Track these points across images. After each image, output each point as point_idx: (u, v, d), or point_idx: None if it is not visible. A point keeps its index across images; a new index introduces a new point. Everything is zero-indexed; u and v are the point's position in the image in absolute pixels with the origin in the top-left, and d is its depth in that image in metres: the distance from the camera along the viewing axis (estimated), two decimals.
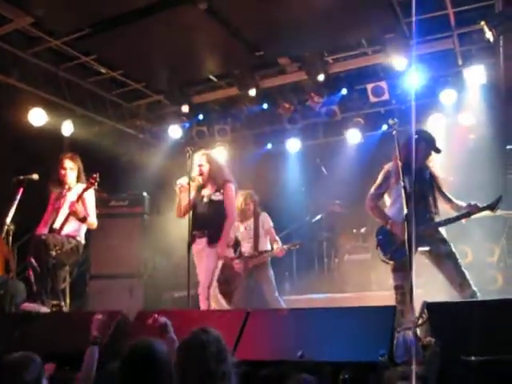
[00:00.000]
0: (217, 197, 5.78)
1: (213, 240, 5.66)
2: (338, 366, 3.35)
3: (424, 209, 5.09)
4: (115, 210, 8.58)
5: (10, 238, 5.83)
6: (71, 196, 6.02)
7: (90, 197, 6.03)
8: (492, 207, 4.96)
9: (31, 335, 4.67)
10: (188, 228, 5.74)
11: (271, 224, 7.17)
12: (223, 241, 5.70)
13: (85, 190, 5.86)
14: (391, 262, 5.14)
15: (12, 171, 6.16)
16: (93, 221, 6.04)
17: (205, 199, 5.85)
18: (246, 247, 7.13)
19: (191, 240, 5.75)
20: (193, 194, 5.82)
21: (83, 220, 5.91)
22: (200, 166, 5.90)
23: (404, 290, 4.84)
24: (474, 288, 4.85)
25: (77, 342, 4.01)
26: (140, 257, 8.63)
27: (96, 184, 5.86)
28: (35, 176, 6.03)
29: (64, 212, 5.95)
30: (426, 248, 4.96)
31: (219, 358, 2.64)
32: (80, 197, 5.83)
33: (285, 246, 7.06)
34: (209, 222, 5.68)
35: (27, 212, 6.06)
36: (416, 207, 4.79)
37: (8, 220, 5.77)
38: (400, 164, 4.66)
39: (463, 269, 4.91)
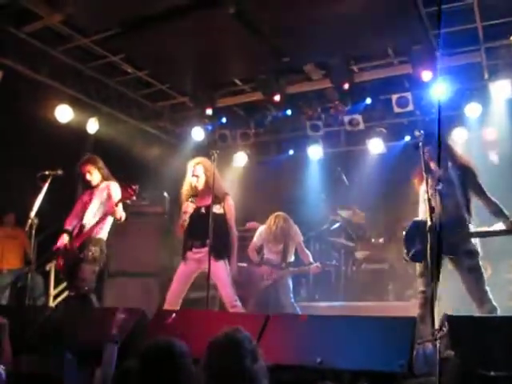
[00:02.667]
0: (218, 210, 5.74)
1: (219, 253, 5.66)
2: (356, 374, 3.36)
3: (453, 213, 4.94)
4: (136, 209, 8.63)
5: (33, 232, 5.90)
6: (99, 193, 6.10)
7: (116, 192, 6.06)
8: None
9: (51, 328, 4.72)
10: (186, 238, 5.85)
11: (301, 238, 7.20)
12: (234, 258, 5.80)
13: (121, 200, 5.85)
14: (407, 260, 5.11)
15: (37, 166, 6.23)
16: (123, 215, 6.02)
17: (202, 210, 5.82)
18: (271, 256, 7.18)
19: (188, 248, 5.83)
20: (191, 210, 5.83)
21: (119, 219, 5.96)
22: (197, 176, 5.90)
23: (426, 295, 4.79)
24: (494, 303, 4.81)
25: (96, 338, 4.06)
26: (158, 257, 8.67)
27: (134, 196, 5.83)
28: (60, 171, 6.10)
29: (93, 208, 6.03)
30: (450, 256, 4.90)
31: (253, 357, 2.66)
32: (117, 204, 5.84)
33: (320, 265, 7.10)
34: (209, 233, 5.49)
35: (51, 207, 6.14)
36: (443, 212, 4.70)
37: (32, 214, 5.85)
38: (425, 176, 4.68)
39: (485, 284, 4.86)
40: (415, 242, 5.01)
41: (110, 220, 6.05)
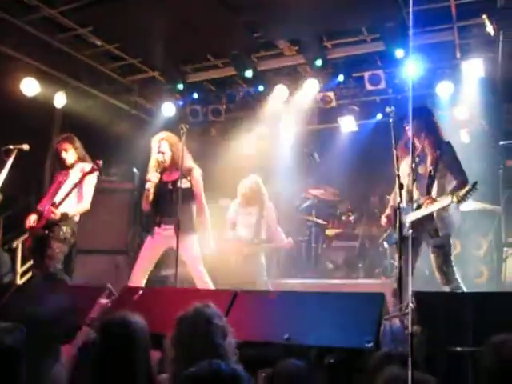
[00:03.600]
0: (184, 184, 5.66)
1: (187, 230, 5.60)
2: (323, 350, 3.35)
3: (422, 192, 4.90)
4: (104, 184, 8.49)
5: None
6: (74, 174, 5.98)
7: (90, 181, 5.97)
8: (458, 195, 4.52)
9: (15, 306, 4.63)
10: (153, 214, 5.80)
11: (275, 215, 7.15)
12: (209, 232, 5.77)
13: (86, 174, 5.79)
14: (385, 246, 5.14)
15: (2, 140, 6.07)
16: (85, 206, 5.97)
17: (169, 186, 5.77)
18: (243, 232, 7.09)
19: (156, 224, 5.76)
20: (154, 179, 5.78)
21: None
22: (162, 153, 5.81)
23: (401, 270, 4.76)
24: (459, 283, 4.84)
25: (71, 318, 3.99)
26: (127, 233, 8.60)
27: (99, 171, 5.83)
28: (25, 146, 5.98)
29: (65, 188, 5.88)
30: (412, 235, 4.79)
31: (223, 333, 2.66)
32: (81, 180, 5.78)
33: (291, 241, 7.17)
34: (176, 209, 5.46)
35: (16, 182, 6.01)
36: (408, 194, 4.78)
37: None
38: (395, 152, 4.67)
39: (450, 262, 4.87)
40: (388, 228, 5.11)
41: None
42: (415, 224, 4.73)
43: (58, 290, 5.15)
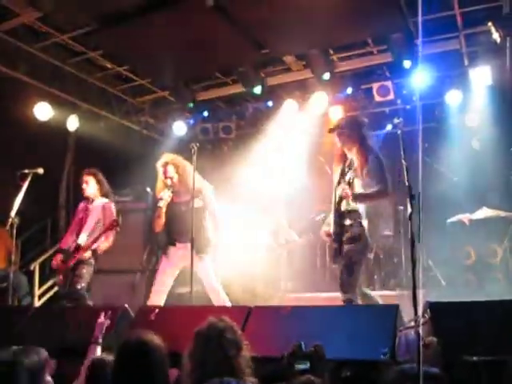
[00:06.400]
0: (197, 204, 5.70)
1: (201, 249, 5.66)
2: (339, 363, 3.36)
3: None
4: (119, 205, 8.55)
5: (15, 231, 5.87)
6: (94, 210, 6.19)
7: (111, 214, 6.19)
8: None
9: (34, 329, 4.69)
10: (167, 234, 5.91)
11: None
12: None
13: (105, 231, 5.96)
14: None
15: (19, 165, 6.17)
16: (110, 243, 6.16)
17: (182, 208, 5.82)
18: None
19: (171, 243, 5.85)
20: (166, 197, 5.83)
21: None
22: (170, 178, 5.84)
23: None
24: (366, 293, 4.98)
25: (80, 337, 4.05)
26: (143, 252, 8.65)
27: (117, 228, 6.00)
28: (40, 170, 6.08)
29: (88, 228, 6.10)
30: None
31: (237, 347, 2.70)
32: (99, 237, 5.95)
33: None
34: (190, 229, 5.46)
35: (32, 205, 6.10)
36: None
37: (13, 213, 5.83)
38: (404, 164, 4.67)
39: (356, 272, 4.86)
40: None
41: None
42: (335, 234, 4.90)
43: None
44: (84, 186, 6.27)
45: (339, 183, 5.06)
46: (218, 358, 2.68)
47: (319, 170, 9.38)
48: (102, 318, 3.97)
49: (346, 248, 4.87)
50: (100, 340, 3.83)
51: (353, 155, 5.08)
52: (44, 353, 2.95)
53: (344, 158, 5.15)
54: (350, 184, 4.86)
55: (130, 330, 4.08)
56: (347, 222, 4.93)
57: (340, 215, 4.96)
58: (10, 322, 4.90)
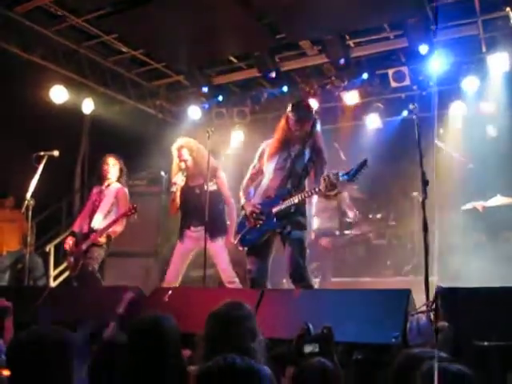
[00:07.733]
0: (211, 187, 5.73)
1: (215, 232, 5.70)
2: (350, 346, 3.38)
3: (286, 187, 4.84)
4: (133, 189, 8.60)
5: (30, 214, 5.93)
6: (109, 195, 6.23)
7: (125, 201, 6.25)
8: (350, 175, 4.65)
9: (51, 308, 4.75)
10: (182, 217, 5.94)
11: None
12: (232, 229, 5.71)
13: (121, 216, 6.02)
14: (240, 248, 4.98)
15: (33, 147, 6.22)
16: (122, 227, 6.20)
17: (196, 190, 5.87)
18: None
19: (186, 227, 5.89)
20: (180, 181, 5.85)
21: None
22: (185, 161, 5.86)
23: (252, 275, 4.74)
24: (312, 282, 4.82)
25: (99, 317, 4.09)
26: (157, 236, 8.71)
27: (135, 215, 5.95)
28: (56, 152, 6.10)
29: (102, 211, 6.16)
30: (277, 230, 4.77)
31: (253, 335, 2.68)
32: (115, 221, 6.00)
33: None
34: (205, 212, 5.47)
35: (47, 188, 6.16)
36: (280, 185, 4.80)
37: (28, 195, 5.89)
38: (420, 150, 4.65)
39: (303, 260, 4.67)
40: (243, 226, 4.96)
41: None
42: (280, 217, 4.74)
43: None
44: (106, 167, 6.30)
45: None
46: (235, 345, 2.64)
47: (334, 156, 9.37)
48: (129, 293, 3.99)
49: (299, 234, 4.78)
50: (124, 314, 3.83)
51: (307, 143, 5.01)
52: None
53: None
54: (306, 173, 4.92)
55: (143, 310, 4.12)
56: None
57: None
58: (26, 301, 4.95)
